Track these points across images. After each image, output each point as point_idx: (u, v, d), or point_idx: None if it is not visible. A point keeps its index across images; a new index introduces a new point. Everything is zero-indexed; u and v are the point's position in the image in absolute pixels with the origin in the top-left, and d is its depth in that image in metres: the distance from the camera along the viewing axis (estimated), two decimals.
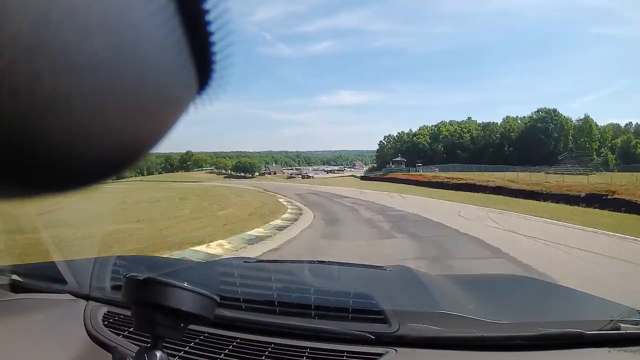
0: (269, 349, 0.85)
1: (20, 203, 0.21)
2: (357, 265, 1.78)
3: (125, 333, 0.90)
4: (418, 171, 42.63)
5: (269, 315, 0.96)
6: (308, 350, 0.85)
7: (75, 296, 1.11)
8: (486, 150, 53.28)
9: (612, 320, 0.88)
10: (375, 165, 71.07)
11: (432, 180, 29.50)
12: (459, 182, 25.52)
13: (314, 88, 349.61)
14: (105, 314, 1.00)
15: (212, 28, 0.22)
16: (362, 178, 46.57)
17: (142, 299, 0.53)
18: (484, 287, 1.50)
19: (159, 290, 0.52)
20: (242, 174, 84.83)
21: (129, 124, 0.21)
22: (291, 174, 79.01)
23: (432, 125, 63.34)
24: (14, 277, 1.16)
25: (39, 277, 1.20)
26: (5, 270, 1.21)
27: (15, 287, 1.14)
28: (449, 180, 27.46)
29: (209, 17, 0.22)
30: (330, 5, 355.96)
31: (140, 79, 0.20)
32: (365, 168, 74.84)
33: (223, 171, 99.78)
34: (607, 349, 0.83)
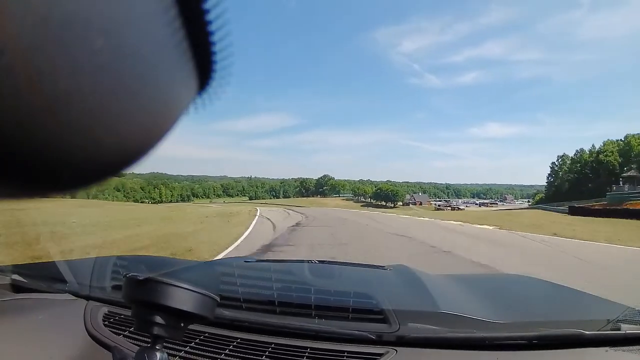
0: (269, 349, 0.85)
1: (21, 203, 0.21)
2: (358, 265, 1.78)
3: (126, 333, 0.90)
4: None
5: (269, 315, 0.96)
6: (308, 350, 0.85)
7: (76, 296, 1.11)
8: None
9: (612, 320, 0.88)
10: (544, 195, 54.69)
11: None
12: None
13: (463, 120, 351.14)
14: (105, 314, 1.00)
15: (212, 28, 0.22)
16: (573, 212, 25.52)
17: (142, 299, 0.53)
18: (484, 287, 1.50)
19: (159, 290, 0.52)
20: (383, 203, 77.59)
21: (129, 124, 0.21)
22: (439, 206, 75.04)
23: (618, 140, 49.14)
24: (14, 277, 1.16)
25: (39, 277, 1.21)
26: (6, 270, 1.22)
27: (15, 287, 1.15)
28: None
29: (209, 17, 0.22)
30: (476, 34, 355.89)
31: (141, 79, 0.20)
32: (517, 202, 58.51)
33: (362, 198, 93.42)
34: (606, 348, 0.83)
